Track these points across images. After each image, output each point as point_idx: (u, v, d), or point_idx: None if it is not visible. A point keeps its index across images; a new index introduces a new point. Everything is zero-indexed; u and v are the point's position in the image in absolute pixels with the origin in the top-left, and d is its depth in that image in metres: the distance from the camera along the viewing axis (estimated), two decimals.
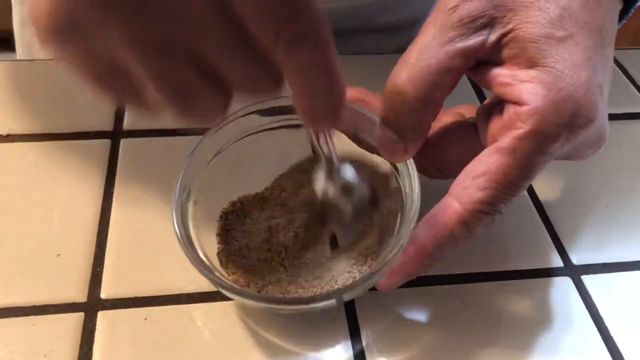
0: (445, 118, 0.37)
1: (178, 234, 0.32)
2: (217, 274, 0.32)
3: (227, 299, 0.35)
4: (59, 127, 0.44)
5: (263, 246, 0.36)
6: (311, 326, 0.35)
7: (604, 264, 0.40)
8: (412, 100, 0.31)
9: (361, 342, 0.34)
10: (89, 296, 0.35)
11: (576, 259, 0.40)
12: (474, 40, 0.31)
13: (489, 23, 0.31)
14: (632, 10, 0.37)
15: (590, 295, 0.38)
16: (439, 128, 0.36)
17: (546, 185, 0.44)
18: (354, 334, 0.35)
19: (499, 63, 0.32)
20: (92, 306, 0.34)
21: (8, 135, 0.43)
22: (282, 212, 0.38)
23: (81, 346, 0.33)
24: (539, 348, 0.35)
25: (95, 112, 0.46)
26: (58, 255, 0.37)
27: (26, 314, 0.34)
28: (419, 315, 0.36)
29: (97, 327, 0.34)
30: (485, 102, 0.36)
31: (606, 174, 0.45)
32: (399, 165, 0.35)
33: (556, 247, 0.40)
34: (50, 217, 0.39)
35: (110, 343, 0.33)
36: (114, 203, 0.39)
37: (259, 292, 0.34)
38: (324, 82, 0.25)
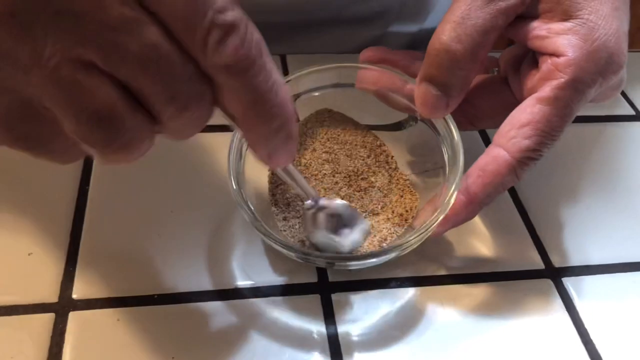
0: None
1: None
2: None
3: (201, 299, 0.34)
4: None
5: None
6: (287, 324, 0.34)
7: (585, 266, 0.39)
8: (460, 57, 0.33)
9: (338, 342, 0.34)
10: (61, 296, 0.34)
11: (557, 261, 0.39)
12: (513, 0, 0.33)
13: None
14: None
15: (571, 298, 0.37)
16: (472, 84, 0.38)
17: (528, 188, 0.43)
18: (330, 332, 0.34)
19: (534, 17, 0.34)
20: (63, 306, 0.33)
21: None
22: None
23: (51, 347, 0.32)
24: (518, 350, 0.34)
25: None
26: (29, 254, 0.36)
27: None
28: (397, 316, 0.35)
29: (67, 328, 0.33)
30: (506, 54, 0.38)
31: (588, 176, 0.45)
32: (436, 121, 0.37)
33: (537, 249, 0.40)
34: (22, 214, 0.38)
35: (81, 344, 0.32)
36: (89, 201, 0.38)
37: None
38: (267, 93, 0.24)
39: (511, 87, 0.37)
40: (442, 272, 0.38)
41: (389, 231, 0.38)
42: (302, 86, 0.40)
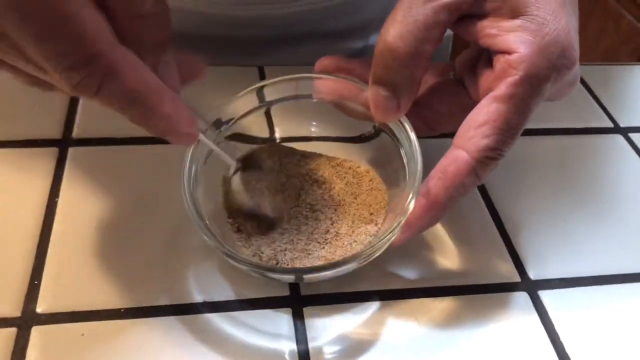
0: (426, 78, 0.38)
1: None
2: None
3: (167, 313, 0.34)
4: (5, 135, 0.43)
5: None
6: (257, 335, 0.33)
7: (561, 279, 0.39)
8: (403, 55, 0.33)
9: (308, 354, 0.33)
10: (24, 310, 0.33)
11: (533, 274, 0.39)
12: None
13: None
14: None
15: (546, 311, 0.37)
16: (426, 88, 0.38)
17: (504, 200, 0.43)
18: (301, 344, 0.33)
19: (483, 15, 0.34)
20: (26, 321, 0.33)
21: None
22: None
23: None
24: None
25: (44, 119, 0.44)
26: None
27: None
28: (371, 330, 0.35)
29: (29, 343, 0.32)
30: (462, 57, 0.38)
31: (565, 189, 0.45)
32: (394, 127, 0.37)
33: (513, 261, 0.39)
34: None
35: None
36: (57, 213, 0.38)
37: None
38: (153, 122, 0.29)
39: (468, 89, 0.37)
40: (418, 285, 0.37)
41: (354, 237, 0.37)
42: (259, 99, 0.39)
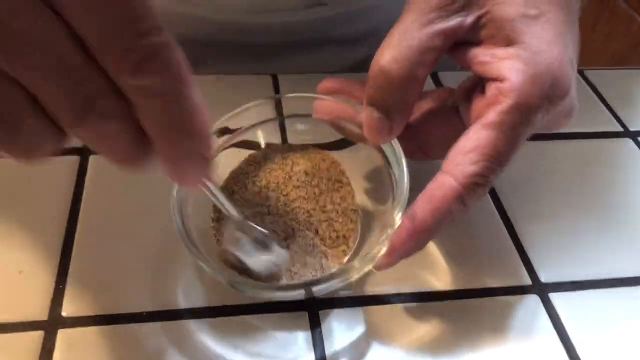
0: (425, 104, 0.38)
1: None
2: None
3: (190, 316, 0.35)
4: None
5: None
6: (274, 339, 0.34)
7: (572, 282, 0.40)
8: (397, 78, 0.33)
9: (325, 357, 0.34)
10: (50, 314, 0.34)
11: (544, 276, 0.40)
12: (452, 22, 0.33)
13: (466, 5, 0.33)
14: None
15: (557, 314, 0.38)
16: (421, 113, 0.39)
17: (515, 203, 0.44)
18: (318, 347, 0.34)
19: (477, 43, 0.34)
20: (52, 324, 0.34)
21: None
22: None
23: None
24: None
25: None
26: (20, 272, 0.36)
27: None
28: (385, 333, 0.36)
29: (56, 345, 0.33)
30: (462, 84, 0.38)
31: (574, 192, 0.45)
32: (387, 151, 0.37)
33: (524, 264, 0.40)
34: (13, 232, 0.38)
35: None
36: (80, 219, 0.39)
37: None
38: (183, 117, 0.24)
39: (462, 116, 0.37)
40: (429, 289, 0.38)
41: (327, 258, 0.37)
42: (261, 115, 0.41)
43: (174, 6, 0.54)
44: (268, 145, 0.42)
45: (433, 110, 0.39)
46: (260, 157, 0.41)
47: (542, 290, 0.39)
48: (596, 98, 0.54)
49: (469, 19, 0.33)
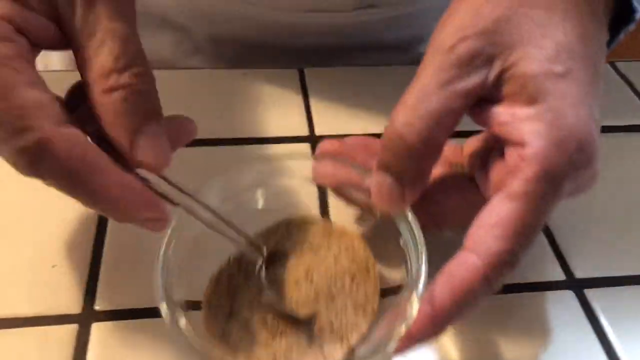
0: (435, 170, 0.34)
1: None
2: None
3: None
4: None
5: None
6: None
7: (608, 278, 0.39)
8: (414, 144, 0.31)
9: None
10: (84, 308, 0.34)
11: (579, 272, 0.39)
12: (473, 80, 0.30)
13: (488, 61, 0.30)
14: (615, 42, 0.38)
15: (593, 310, 0.37)
16: (432, 180, 0.35)
17: None
18: None
19: (498, 100, 0.31)
20: (86, 318, 0.34)
21: None
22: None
23: (74, 359, 0.32)
24: None
25: None
26: (53, 267, 0.36)
27: (18, 326, 0.33)
28: None
29: (90, 339, 0.33)
30: (473, 145, 0.35)
31: (611, 187, 0.45)
32: (399, 224, 0.34)
33: (558, 260, 0.40)
34: (46, 227, 0.38)
35: (104, 355, 0.33)
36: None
37: None
38: (96, 197, 0.29)
39: (478, 183, 0.34)
40: None
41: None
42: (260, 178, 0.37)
43: (223, 5, 0.54)
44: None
45: (444, 177, 0.36)
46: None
47: (577, 285, 0.38)
48: (629, 90, 0.53)
49: (492, 75, 0.30)
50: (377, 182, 0.32)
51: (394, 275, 0.36)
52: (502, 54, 0.30)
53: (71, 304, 0.35)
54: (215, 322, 0.33)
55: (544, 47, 0.30)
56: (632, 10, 0.36)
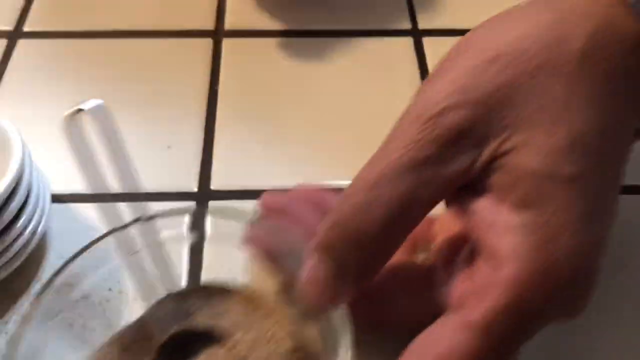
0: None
1: None
2: None
3: None
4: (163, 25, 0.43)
5: None
6: None
7: (448, 30, 0.47)
8: (367, 232, 0.24)
9: None
10: (200, 187, 0.38)
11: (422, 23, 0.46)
12: (457, 165, 0.24)
13: (480, 141, 0.24)
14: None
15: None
16: (383, 270, 0.26)
17: None
18: None
19: (482, 190, 0.24)
20: (202, 197, 0.37)
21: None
22: None
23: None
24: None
25: (196, 11, 0.44)
26: (169, 147, 0.38)
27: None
28: None
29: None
30: (445, 228, 0.29)
31: None
32: (325, 325, 0.26)
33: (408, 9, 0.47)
34: (159, 109, 0.38)
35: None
36: (219, 100, 0.39)
37: None
38: None
39: (439, 284, 0.27)
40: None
41: None
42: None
43: None
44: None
45: (397, 268, 0.28)
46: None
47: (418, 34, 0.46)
48: None
49: (481, 161, 0.24)
50: (312, 266, 0.25)
51: None
52: (501, 133, 0.24)
53: (187, 184, 0.37)
54: None
55: (556, 136, 0.23)
56: None
